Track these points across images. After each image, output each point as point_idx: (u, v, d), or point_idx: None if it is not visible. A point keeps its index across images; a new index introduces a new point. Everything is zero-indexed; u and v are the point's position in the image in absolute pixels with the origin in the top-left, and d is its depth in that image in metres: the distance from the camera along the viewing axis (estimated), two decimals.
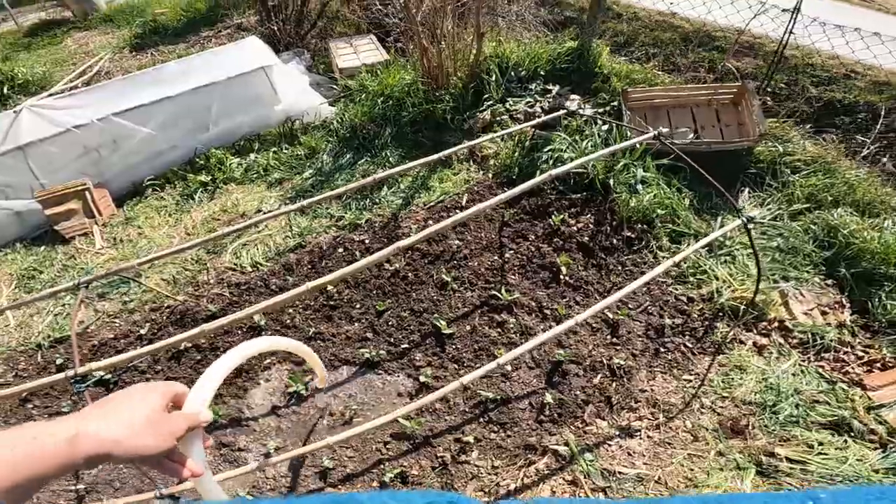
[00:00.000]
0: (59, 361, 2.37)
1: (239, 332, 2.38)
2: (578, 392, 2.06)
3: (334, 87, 3.73)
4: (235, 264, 2.65)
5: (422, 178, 2.92)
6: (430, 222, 2.69)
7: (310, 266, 2.58)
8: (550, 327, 2.20)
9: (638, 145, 2.69)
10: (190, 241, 2.09)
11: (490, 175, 2.94)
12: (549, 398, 2.01)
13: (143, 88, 3.19)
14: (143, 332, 2.45)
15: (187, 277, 2.66)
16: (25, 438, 0.52)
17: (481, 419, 2.00)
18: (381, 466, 1.87)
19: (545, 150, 2.96)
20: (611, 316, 2.29)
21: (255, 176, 3.14)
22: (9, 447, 0.51)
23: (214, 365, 0.75)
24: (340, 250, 2.62)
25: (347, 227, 2.72)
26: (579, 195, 2.77)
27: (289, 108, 3.46)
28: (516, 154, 3.00)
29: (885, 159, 3.20)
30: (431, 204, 2.79)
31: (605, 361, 2.14)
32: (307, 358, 1.11)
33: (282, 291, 2.52)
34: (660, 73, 3.89)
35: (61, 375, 1.76)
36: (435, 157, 2.32)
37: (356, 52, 4.02)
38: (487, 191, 2.84)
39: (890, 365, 2.10)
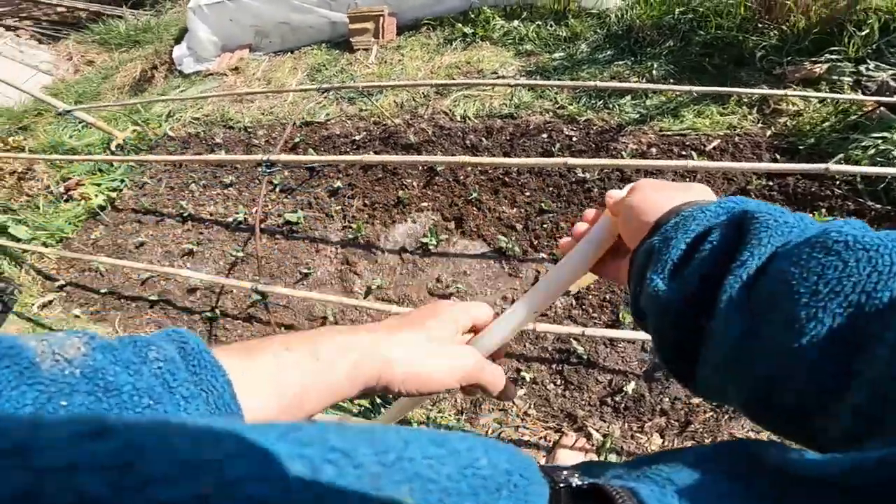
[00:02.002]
0: (296, 140, 2.88)
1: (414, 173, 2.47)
2: (666, 400, 1.60)
3: None
4: (449, 110, 2.70)
5: (677, 102, 2.37)
6: (654, 150, 2.22)
7: (508, 138, 2.46)
8: None
9: None
10: (430, 80, 2.20)
11: (769, 132, 2.20)
12: (631, 388, 1.63)
13: None
14: (357, 138, 2.78)
15: (411, 106, 2.84)
16: (308, 360, 0.39)
17: (554, 366, 1.74)
18: None
19: (873, 134, 2.06)
20: None
21: (509, 42, 3.06)
22: (310, 365, 0.39)
23: (523, 303, 0.53)
24: (544, 136, 2.40)
25: (564, 117, 2.45)
26: (882, 206, 1.89)
27: None
28: (826, 124, 2.17)
29: None
30: (669, 133, 2.27)
31: None
32: None
33: (473, 149, 2.50)
34: None
35: (256, 157, 2.12)
36: (718, 90, 2.02)
37: None
38: (752, 147, 2.15)
39: None
